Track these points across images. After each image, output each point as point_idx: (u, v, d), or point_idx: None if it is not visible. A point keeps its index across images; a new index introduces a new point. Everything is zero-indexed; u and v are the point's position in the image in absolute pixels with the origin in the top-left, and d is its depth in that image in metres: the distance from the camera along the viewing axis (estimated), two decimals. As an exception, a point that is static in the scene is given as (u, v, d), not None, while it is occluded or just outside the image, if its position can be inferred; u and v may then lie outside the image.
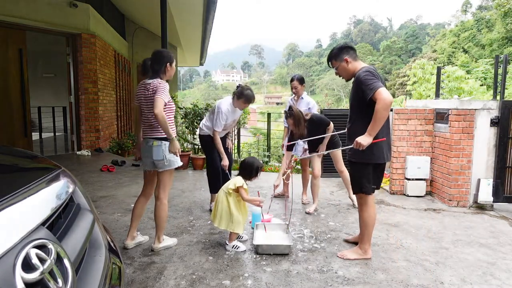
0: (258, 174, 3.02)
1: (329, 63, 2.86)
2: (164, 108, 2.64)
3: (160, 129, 2.72)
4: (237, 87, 3.77)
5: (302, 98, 4.43)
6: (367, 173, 2.72)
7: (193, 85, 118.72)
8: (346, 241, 3.17)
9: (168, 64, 2.78)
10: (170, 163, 2.77)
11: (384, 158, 2.71)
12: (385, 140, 2.68)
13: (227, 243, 2.96)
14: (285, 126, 4.73)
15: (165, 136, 2.72)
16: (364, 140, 2.52)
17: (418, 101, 5.72)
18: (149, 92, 2.71)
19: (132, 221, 2.98)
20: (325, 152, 4.19)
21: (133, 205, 4.22)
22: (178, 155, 2.79)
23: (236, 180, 2.92)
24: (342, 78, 2.83)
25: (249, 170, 2.98)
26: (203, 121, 3.95)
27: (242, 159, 3.23)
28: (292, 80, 4.42)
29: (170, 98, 2.79)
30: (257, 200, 3.01)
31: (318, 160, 4.13)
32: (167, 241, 3.00)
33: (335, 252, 2.93)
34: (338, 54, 2.74)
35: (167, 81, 2.87)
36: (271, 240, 3.05)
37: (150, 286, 2.37)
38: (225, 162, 3.78)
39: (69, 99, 7.57)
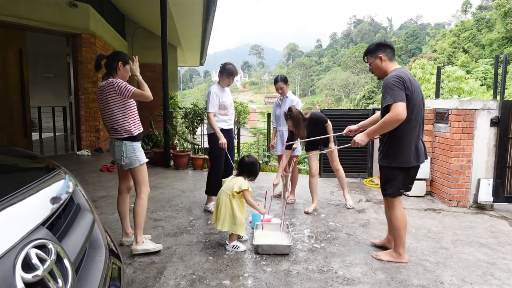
0: (258, 174, 3.03)
1: (364, 58, 2.81)
2: (124, 104, 2.71)
3: (120, 130, 2.73)
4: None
5: (287, 97, 4.48)
6: (394, 177, 2.64)
7: (193, 85, 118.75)
8: (374, 244, 3.07)
9: (120, 63, 2.76)
10: (131, 162, 2.76)
11: (413, 161, 2.60)
12: (413, 142, 2.57)
13: (227, 243, 2.96)
14: (273, 127, 4.76)
15: (126, 136, 2.75)
16: (361, 139, 2.70)
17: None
18: (104, 95, 2.72)
19: (120, 219, 3.04)
20: (325, 151, 4.19)
21: (133, 205, 4.22)
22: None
23: (241, 183, 2.89)
24: (374, 75, 2.82)
25: (252, 170, 2.97)
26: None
27: (241, 157, 3.19)
28: (276, 82, 4.48)
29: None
30: (261, 209, 3.04)
31: (316, 159, 4.13)
32: (148, 244, 2.85)
33: (335, 252, 2.93)
34: (374, 50, 2.70)
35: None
36: (271, 240, 3.05)
37: (150, 286, 2.37)
38: (223, 139, 3.74)
39: (69, 99, 7.57)
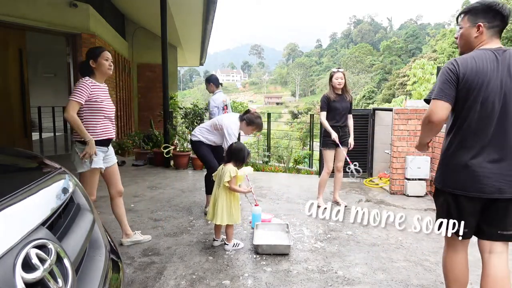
0: (247, 160, 3.01)
1: (459, 17, 1.88)
2: (81, 109, 2.59)
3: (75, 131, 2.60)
4: (246, 112, 3.69)
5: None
6: (436, 200, 1.93)
7: (193, 85, 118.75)
8: None
9: (91, 61, 2.64)
10: (76, 166, 2.64)
11: (454, 185, 1.77)
12: (467, 158, 1.73)
13: (227, 243, 2.96)
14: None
15: (78, 139, 2.60)
16: (417, 149, 2.11)
17: (418, 101, 5.73)
18: None
19: (118, 222, 3.08)
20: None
21: (133, 205, 4.23)
22: (92, 159, 2.60)
23: (230, 170, 2.85)
24: (457, 47, 1.94)
25: (241, 156, 2.94)
26: (200, 128, 3.83)
27: (229, 144, 3.16)
28: None
29: (95, 97, 2.65)
30: (245, 190, 2.99)
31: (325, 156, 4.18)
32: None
33: (335, 252, 2.93)
34: (476, 12, 1.77)
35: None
36: (271, 240, 3.05)
37: (150, 286, 2.37)
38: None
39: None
